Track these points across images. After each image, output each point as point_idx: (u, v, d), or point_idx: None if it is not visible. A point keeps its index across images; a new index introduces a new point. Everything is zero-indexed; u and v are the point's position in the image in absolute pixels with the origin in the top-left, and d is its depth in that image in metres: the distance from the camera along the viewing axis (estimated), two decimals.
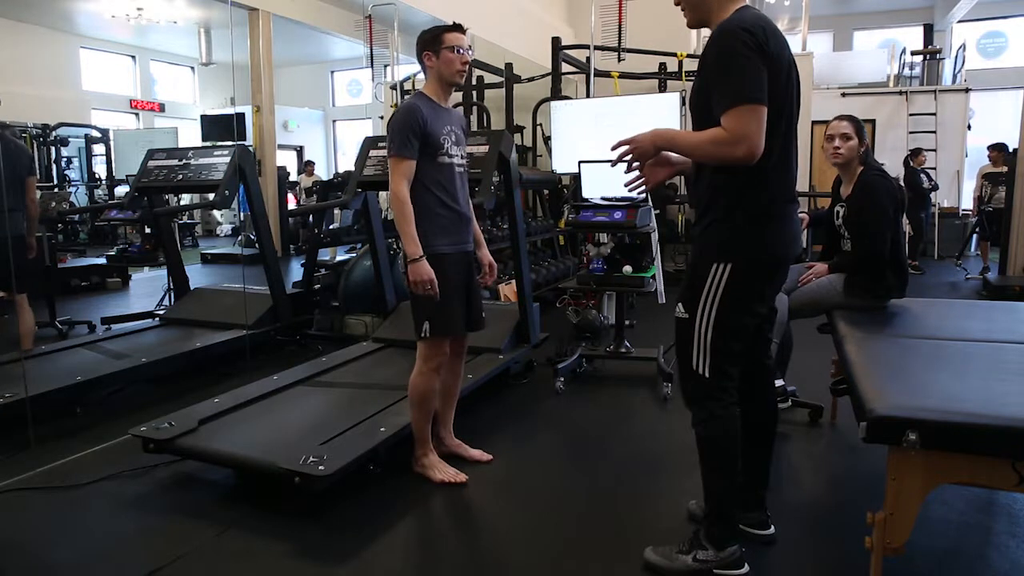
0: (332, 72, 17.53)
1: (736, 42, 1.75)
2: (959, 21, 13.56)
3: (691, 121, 2.02)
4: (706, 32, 1.91)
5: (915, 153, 8.69)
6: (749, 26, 1.77)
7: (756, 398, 2.13)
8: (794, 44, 13.77)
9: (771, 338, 2.24)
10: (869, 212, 2.94)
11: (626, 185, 2.12)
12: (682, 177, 6.12)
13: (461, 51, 2.54)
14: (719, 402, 1.96)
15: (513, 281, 4.20)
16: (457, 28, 2.58)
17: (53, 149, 10.73)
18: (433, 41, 2.54)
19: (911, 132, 9.95)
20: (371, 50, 7.98)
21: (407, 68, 7.96)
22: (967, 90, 10.30)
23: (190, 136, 12.19)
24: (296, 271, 7.20)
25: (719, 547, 1.99)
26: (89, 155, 11.66)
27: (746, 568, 2.00)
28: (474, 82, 7.35)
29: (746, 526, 2.16)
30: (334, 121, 17.70)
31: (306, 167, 12.66)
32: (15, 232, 3.79)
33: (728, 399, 1.97)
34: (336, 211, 7.24)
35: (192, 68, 15.66)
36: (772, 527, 2.21)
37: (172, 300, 5.27)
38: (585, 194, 3.88)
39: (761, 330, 2.12)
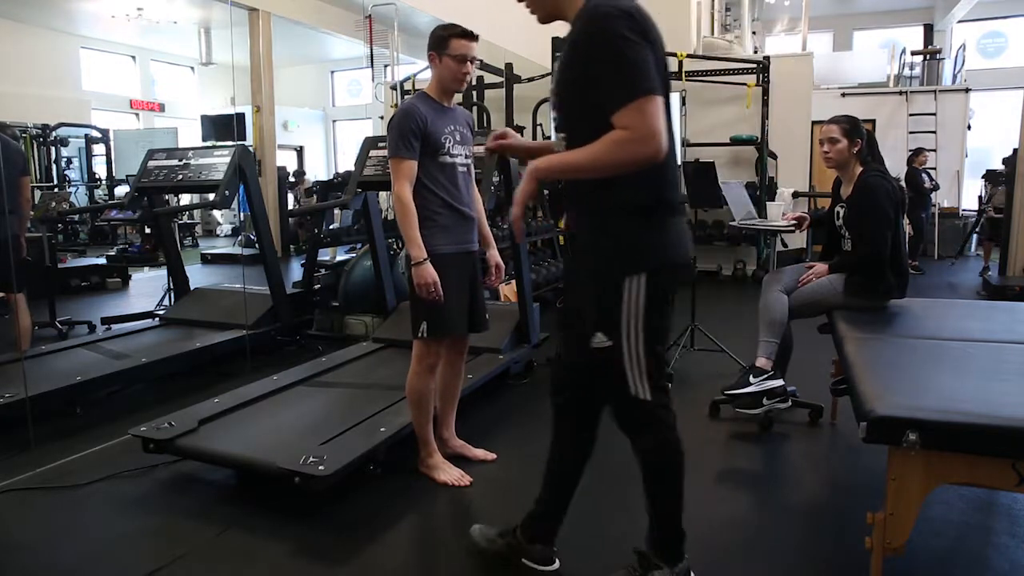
0: (332, 72, 17.56)
1: (620, 26, 1.54)
2: (959, 21, 13.58)
3: (554, 123, 1.83)
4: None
5: (916, 153, 8.70)
6: (627, 9, 1.57)
7: (586, 423, 1.97)
8: (794, 44, 13.81)
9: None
10: (868, 213, 2.95)
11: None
12: (682, 177, 6.12)
13: (465, 60, 2.51)
14: (664, 423, 1.81)
15: (513, 281, 4.20)
16: (467, 35, 2.51)
17: (53, 149, 10.75)
18: (440, 43, 2.51)
19: (911, 132, 9.95)
20: (371, 50, 7.98)
21: (407, 68, 7.97)
22: (967, 90, 10.30)
23: (190, 136, 12.21)
24: (296, 271, 7.21)
25: (673, 563, 1.89)
26: (89, 155, 11.68)
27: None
28: (474, 82, 7.35)
29: (530, 560, 2.00)
30: (334, 121, 17.72)
31: (295, 176, 12.33)
32: (13, 233, 3.79)
33: (670, 417, 1.82)
34: (336, 211, 7.25)
35: (192, 68, 15.68)
36: (557, 561, 2.03)
37: (172, 300, 5.27)
38: None
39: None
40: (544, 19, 1.83)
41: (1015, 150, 6.82)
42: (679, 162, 1.79)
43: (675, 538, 1.89)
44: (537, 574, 1.98)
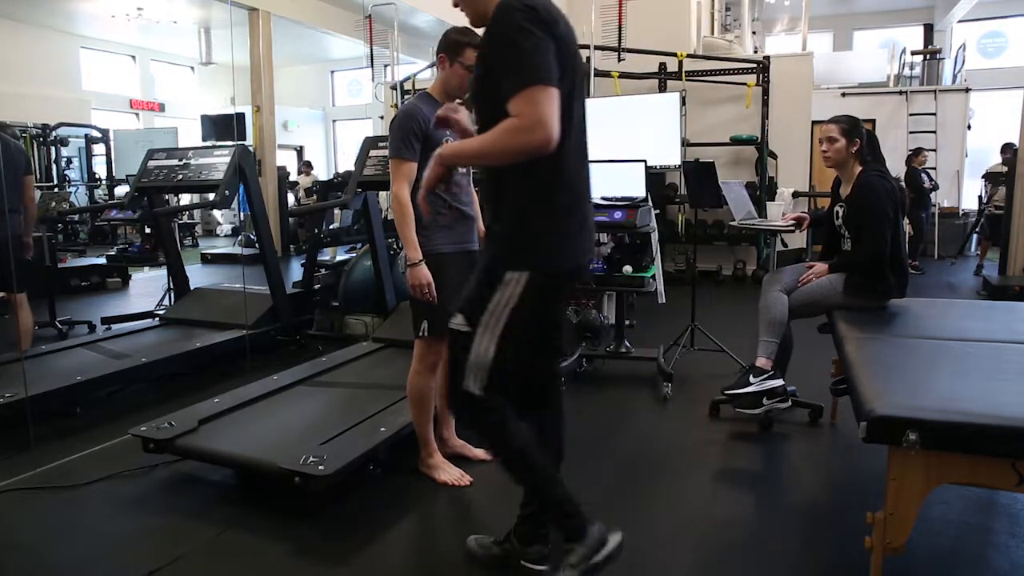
0: (332, 72, 17.56)
1: (519, 17, 1.55)
2: (959, 21, 13.58)
3: (474, 119, 1.81)
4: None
5: (915, 153, 8.70)
6: (530, 2, 1.58)
7: (538, 427, 1.93)
8: (794, 44, 13.78)
9: (562, 350, 1.99)
10: (868, 212, 2.94)
11: None
12: (682, 177, 6.13)
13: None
14: (488, 417, 1.77)
15: None
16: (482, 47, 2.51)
17: (53, 149, 10.75)
18: (455, 48, 2.49)
19: (911, 132, 9.95)
20: (371, 50, 7.98)
21: (407, 68, 7.96)
22: (967, 90, 10.30)
23: (190, 136, 12.21)
24: (296, 271, 7.20)
25: (581, 537, 1.80)
26: (89, 155, 11.68)
27: (619, 534, 1.84)
28: None
29: (528, 561, 1.98)
30: (334, 121, 17.73)
31: (304, 167, 12.73)
32: (14, 232, 3.79)
33: (500, 410, 1.77)
34: (336, 211, 7.25)
35: (192, 68, 15.68)
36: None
37: (172, 300, 5.27)
38: None
39: (551, 344, 1.93)
40: (475, 21, 1.82)
41: (1015, 150, 6.82)
42: (584, 161, 1.66)
43: (563, 514, 1.82)
44: (537, 574, 1.98)
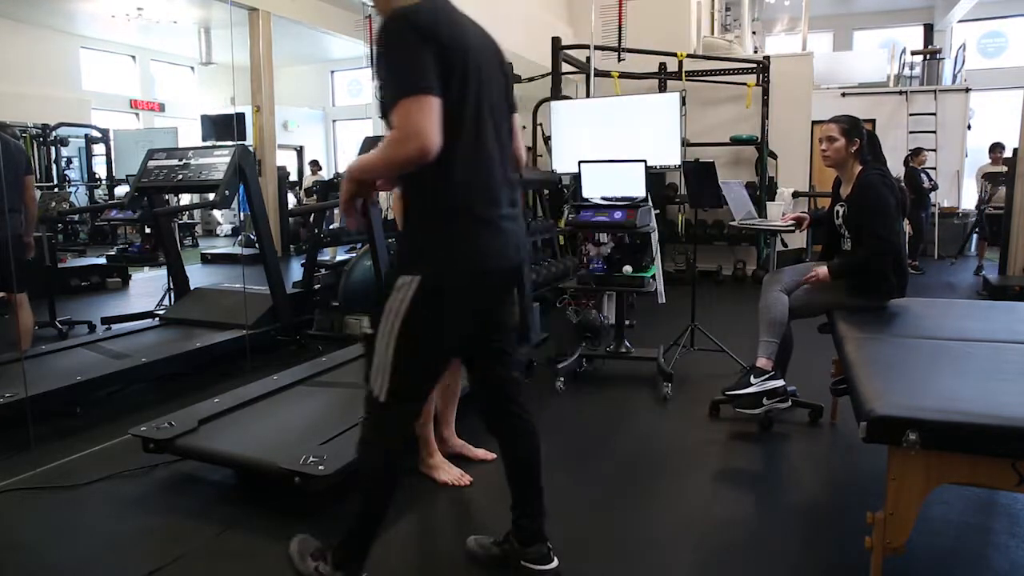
0: (332, 72, 17.55)
1: (393, 27, 1.58)
2: (959, 21, 13.58)
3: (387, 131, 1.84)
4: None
5: (915, 153, 8.71)
6: (409, 10, 1.60)
7: (506, 429, 1.98)
8: (794, 44, 13.79)
9: (510, 354, 1.97)
10: (869, 212, 2.94)
11: None
12: (682, 177, 6.13)
13: None
14: (388, 430, 1.80)
15: None
16: None
17: (53, 149, 10.74)
18: None
19: (911, 132, 9.95)
20: (371, 50, 7.97)
21: None
22: (967, 90, 10.31)
23: (190, 136, 12.20)
24: (296, 271, 7.20)
25: (337, 568, 1.87)
26: (89, 155, 11.67)
27: None
28: None
29: (528, 561, 1.98)
30: (334, 121, 17.72)
31: (312, 165, 12.78)
32: (14, 232, 3.79)
33: (400, 431, 1.82)
34: (336, 211, 7.24)
35: (192, 68, 15.67)
36: (555, 559, 2.00)
37: (172, 300, 5.27)
38: (585, 194, 3.88)
39: (491, 349, 1.92)
40: None
41: (1015, 150, 6.82)
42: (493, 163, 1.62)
43: (353, 547, 1.87)
44: (536, 574, 1.98)
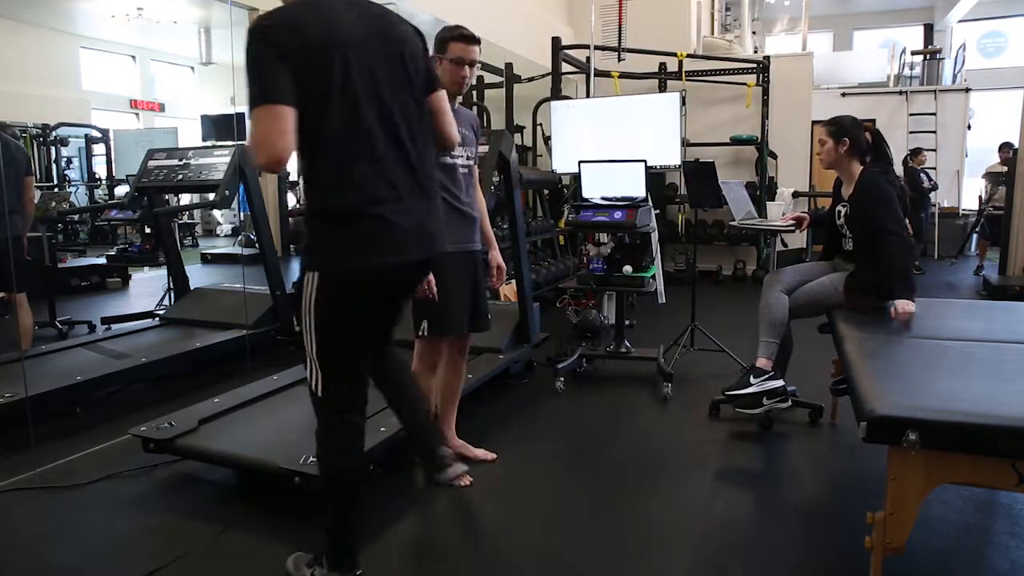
0: None
1: (250, 42, 1.62)
2: (959, 21, 13.59)
3: None
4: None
5: (915, 153, 8.70)
6: (266, 20, 1.64)
7: (383, 371, 2.06)
8: (794, 44, 13.79)
9: (386, 340, 2.04)
10: (878, 205, 2.91)
11: None
12: (682, 177, 6.12)
13: (463, 64, 2.51)
14: (330, 423, 1.86)
15: (513, 281, 4.20)
16: (465, 39, 2.51)
17: (53, 149, 10.72)
18: (440, 46, 2.52)
19: (911, 132, 9.96)
20: None
21: None
22: (967, 90, 10.31)
23: (190, 136, 12.19)
24: (296, 271, 7.19)
25: (332, 568, 1.91)
26: (89, 155, 11.64)
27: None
28: (474, 82, 7.34)
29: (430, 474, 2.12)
30: None
31: None
32: (14, 232, 3.79)
33: (340, 422, 1.86)
34: None
35: (192, 68, 15.66)
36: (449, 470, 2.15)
37: (172, 300, 5.27)
38: (585, 194, 3.88)
39: (374, 337, 1.96)
40: None
41: (1015, 150, 6.82)
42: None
43: (337, 545, 1.91)
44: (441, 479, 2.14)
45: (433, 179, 1.90)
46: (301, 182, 1.78)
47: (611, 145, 5.10)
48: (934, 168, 9.48)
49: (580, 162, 3.91)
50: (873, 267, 2.88)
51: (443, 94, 1.95)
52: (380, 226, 1.74)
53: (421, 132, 1.86)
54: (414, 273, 1.94)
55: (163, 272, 5.55)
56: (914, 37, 14.02)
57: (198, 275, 7.13)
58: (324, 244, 1.75)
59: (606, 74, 6.85)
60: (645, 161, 3.78)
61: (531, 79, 7.30)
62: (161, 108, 15.21)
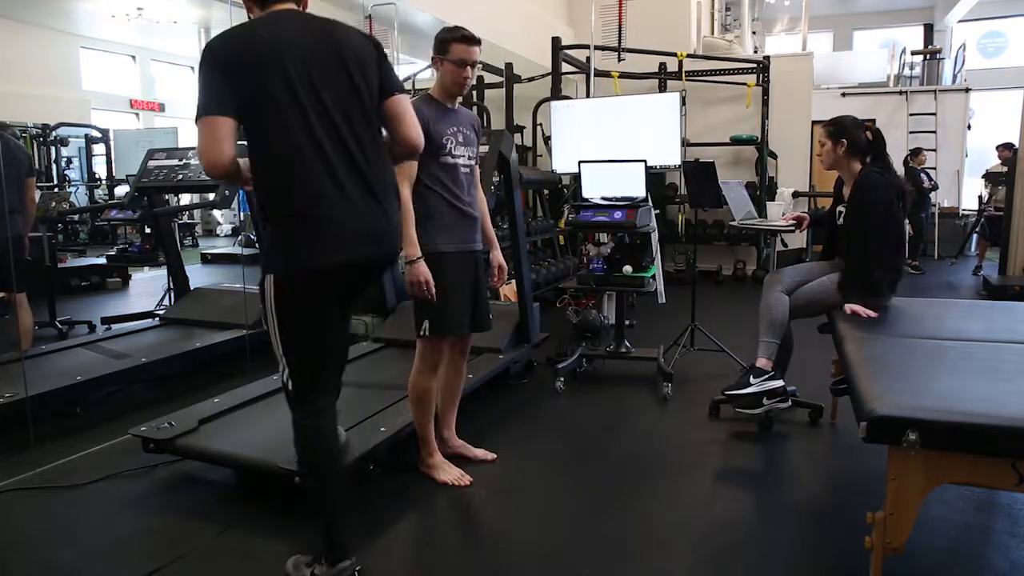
0: None
1: (201, 57, 1.76)
2: (959, 21, 13.59)
3: None
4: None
5: (915, 153, 8.70)
6: (215, 41, 1.77)
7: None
8: (794, 44, 13.79)
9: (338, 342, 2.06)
10: (866, 211, 2.92)
11: None
12: (682, 177, 6.13)
13: (464, 65, 2.52)
14: (302, 414, 1.96)
15: (513, 281, 4.20)
16: (467, 39, 2.51)
17: (53, 149, 10.72)
18: (441, 47, 2.53)
19: (911, 132, 9.95)
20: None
21: (407, 68, 7.95)
22: (967, 90, 10.31)
23: (190, 136, 12.20)
24: None
25: (331, 563, 1.94)
26: (89, 155, 11.65)
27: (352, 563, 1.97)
28: (474, 82, 7.35)
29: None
30: None
31: None
32: (15, 233, 3.79)
33: (311, 412, 1.95)
34: None
35: (192, 68, 15.67)
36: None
37: (172, 300, 5.27)
38: (585, 194, 3.88)
39: (326, 337, 1.97)
40: None
41: (1015, 150, 6.82)
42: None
43: (328, 540, 1.96)
44: None
45: (388, 185, 1.93)
46: (255, 184, 1.85)
47: (611, 145, 5.10)
48: (934, 168, 9.48)
49: (580, 162, 3.91)
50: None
51: (401, 98, 1.94)
52: (326, 226, 1.79)
53: (371, 140, 1.88)
54: (365, 273, 1.99)
55: (163, 272, 5.55)
56: (914, 37, 14.03)
57: (198, 275, 7.13)
58: (275, 246, 1.84)
59: (606, 74, 6.85)
60: (645, 161, 3.78)
61: (531, 79, 7.30)
62: (161, 108, 15.24)
